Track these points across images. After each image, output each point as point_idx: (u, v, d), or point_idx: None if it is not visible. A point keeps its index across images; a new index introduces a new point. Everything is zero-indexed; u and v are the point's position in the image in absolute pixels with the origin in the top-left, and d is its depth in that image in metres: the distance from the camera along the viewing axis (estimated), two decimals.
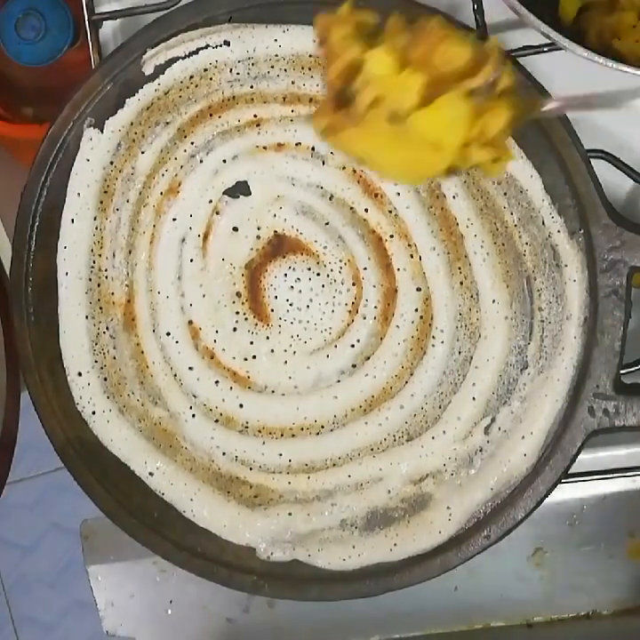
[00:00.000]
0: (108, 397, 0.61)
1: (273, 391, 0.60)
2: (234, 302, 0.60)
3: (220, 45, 0.59)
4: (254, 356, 0.60)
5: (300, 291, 0.60)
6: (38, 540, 1.43)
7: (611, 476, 0.62)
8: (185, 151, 0.60)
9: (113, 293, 0.61)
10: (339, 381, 0.60)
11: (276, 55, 0.59)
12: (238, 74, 0.59)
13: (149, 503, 0.61)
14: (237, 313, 0.60)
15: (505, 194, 0.58)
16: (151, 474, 0.61)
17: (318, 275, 0.60)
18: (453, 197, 0.58)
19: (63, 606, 1.42)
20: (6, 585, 1.44)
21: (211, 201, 0.60)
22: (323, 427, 0.60)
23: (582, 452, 0.57)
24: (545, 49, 0.61)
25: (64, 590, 1.42)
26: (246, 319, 0.60)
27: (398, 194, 0.58)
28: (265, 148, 0.59)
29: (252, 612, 0.71)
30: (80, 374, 0.61)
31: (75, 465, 0.61)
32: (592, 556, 0.67)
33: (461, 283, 0.58)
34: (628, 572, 0.67)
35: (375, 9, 0.57)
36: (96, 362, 0.61)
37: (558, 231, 0.57)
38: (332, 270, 0.60)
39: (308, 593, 0.60)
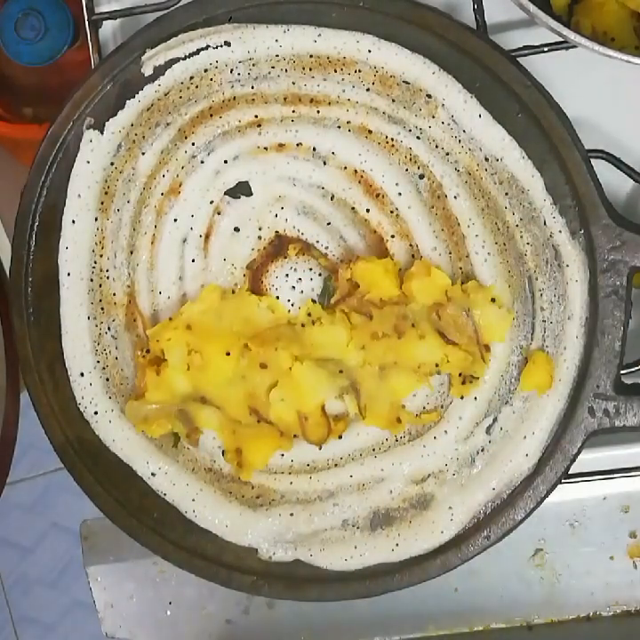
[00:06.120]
0: (109, 398, 0.61)
1: None
2: None
3: (221, 46, 0.59)
4: None
5: (302, 291, 0.60)
6: (38, 540, 1.43)
7: (611, 476, 0.62)
8: (186, 152, 0.60)
9: (114, 294, 0.61)
10: None
11: (277, 55, 0.59)
12: (239, 74, 0.59)
13: (149, 504, 0.61)
14: None
15: (506, 194, 0.57)
16: (153, 474, 0.60)
17: (320, 275, 0.59)
18: (455, 197, 0.58)
19: (63, 606, 1.42)
20: (6, 585, 1.44)
21: (212, 201, 0.60)
22: None
23: (582, 452, 0.57)
24: (545, 49, 0.61)
25: (64, 590, 1.42)
26: None
27: (400, 194, 0.58)
28: (266, 148, 0.59)
29: (251, 613, 0.71)
30: (82, 375, 0.61)
31: (74, 465, 0.61)
32: (592, 556, 0.67)
33: (463, 283, 0.58)
34: (629, 573, 0.67)
35: (377, 9, 0.58)
36: (98, 362, 0.61)
37: (560, 231, 0.57)
38: (333, 271, 0.59)
39: (308, 593, 0.60)
